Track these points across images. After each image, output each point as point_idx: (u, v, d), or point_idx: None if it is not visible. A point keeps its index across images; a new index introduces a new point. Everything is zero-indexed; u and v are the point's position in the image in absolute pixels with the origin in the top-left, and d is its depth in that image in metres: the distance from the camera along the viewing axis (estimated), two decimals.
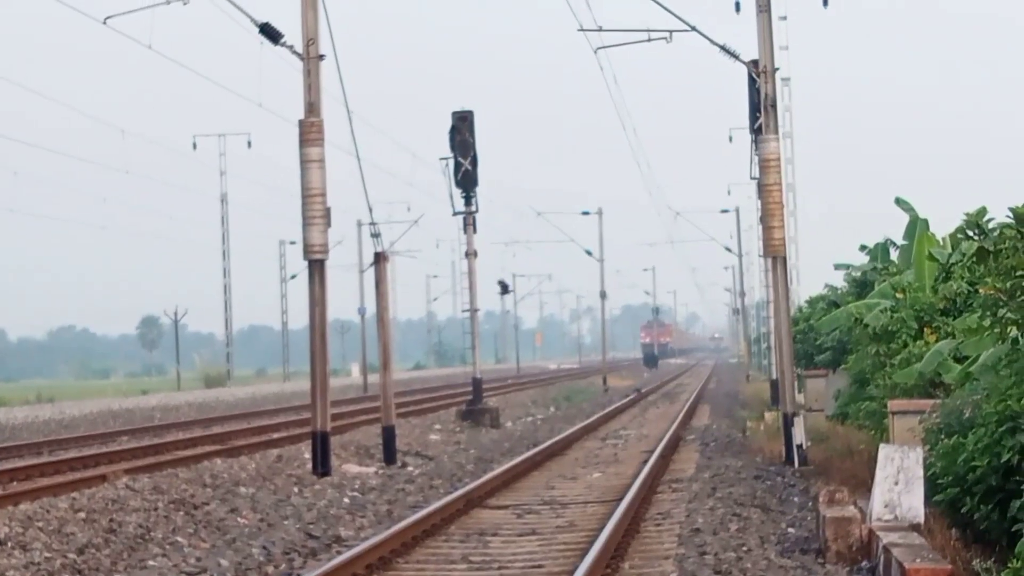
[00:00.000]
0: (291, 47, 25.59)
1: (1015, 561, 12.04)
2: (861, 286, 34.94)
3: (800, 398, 31.79)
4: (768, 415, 35.56)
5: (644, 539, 17.20)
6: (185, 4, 26.41)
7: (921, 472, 14.81)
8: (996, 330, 16.52)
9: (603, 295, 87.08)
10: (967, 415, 15.54)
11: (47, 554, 16.67)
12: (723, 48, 26.13)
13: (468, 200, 43.25)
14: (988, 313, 16.79)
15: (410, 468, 28.05)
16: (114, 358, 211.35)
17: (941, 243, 28.83)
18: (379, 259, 29.21)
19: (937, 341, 23.61)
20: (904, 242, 32.72)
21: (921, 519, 14.58)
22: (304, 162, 25.53)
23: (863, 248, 37.10)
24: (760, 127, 26.07)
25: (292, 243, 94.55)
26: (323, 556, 16.39)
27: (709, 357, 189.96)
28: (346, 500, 22.08)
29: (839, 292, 39.17)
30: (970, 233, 18.72)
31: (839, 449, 25.04)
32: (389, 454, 29.20)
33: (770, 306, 41.41)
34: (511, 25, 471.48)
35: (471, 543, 17.26)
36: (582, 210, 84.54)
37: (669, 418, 42.60)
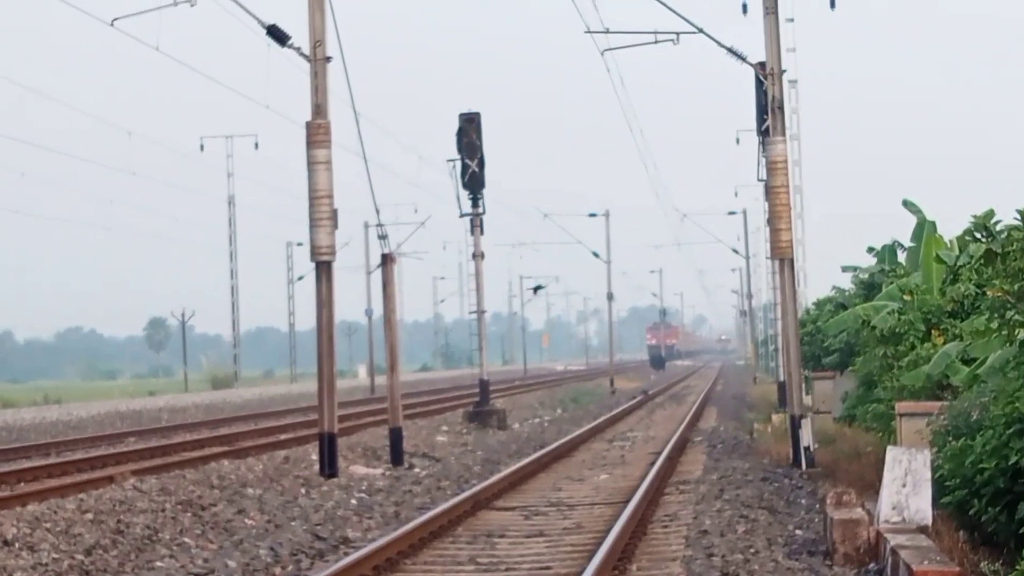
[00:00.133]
0: (298, 49, 25.61)
1: (1023, 563, 12.03)
2: (868, 288, 34.88)
3: (807, 400, 31.72)
4: (775, 417, 35.52)
5: (651, 541, 17.20)
6: (192, 6, 26.44)
7: (929, 474, 14.80)
8: (1004, 332, 16.52)
9: (610, 297, 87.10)
10: (975, 417, 15.53)
11: (55, 555, 16.69)
12: (730, 50, 26.11)
13: (475, 202, 43.27)
14: (996, 315, 16.78)
15: (417, 469, 28.06)
16: (121, 359, 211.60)
17: (949, 245, 28.79)
18: (386, 261, 29.21)
19: (945, 343, 23.58)
20: (912, 244, 32.66)
21: (929, 521, 14.57)
22: (311, 164, 25.55)
23: (870, 250, 37.03)
24: (767, 129, 26.05)
25: (299, 245, 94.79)
26: (330, 557, 16.39)
27: (716, 359, 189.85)
28: (353, 501, 22.09)
29: (846, 294, 39.10)
30: (978, 235, 18.73)
31: (846, 451, 25.02)
32: (396, 455, 29.21)
33: (777, 308, 41.41)
34: (518, 27, 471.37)
35: (478, 544, 17.26)
36: (589, 212, 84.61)
37: (676, 420, 42.59)
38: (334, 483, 24.90)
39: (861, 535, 14.65)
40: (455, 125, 42.80)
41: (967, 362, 21.01)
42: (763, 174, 26.60)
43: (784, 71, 26.19)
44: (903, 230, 36.02)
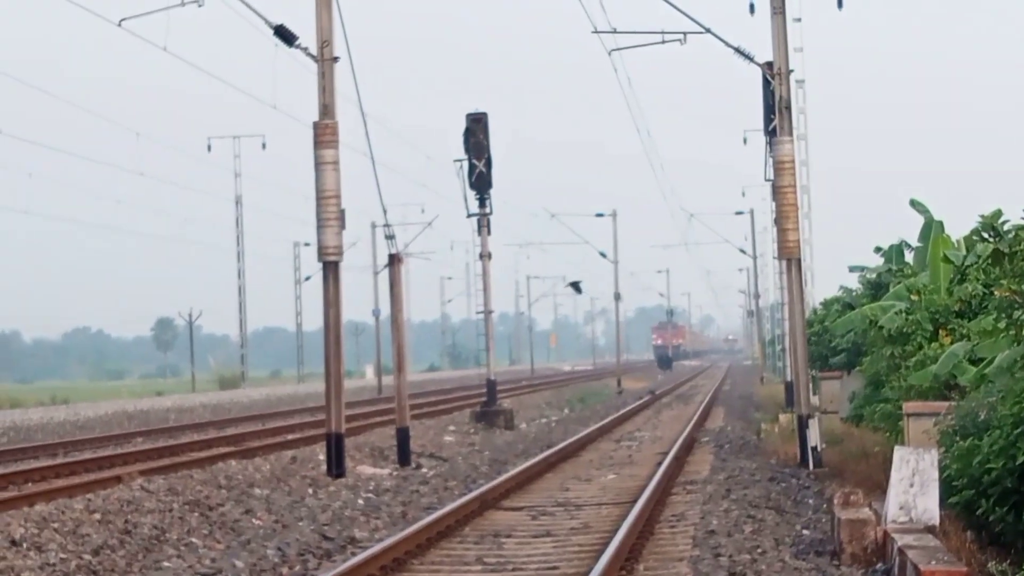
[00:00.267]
0: (305, 49, 25.62)
1: None
2: (876, 288, 34.85)
3: (815, 400, 31.74)
4: (783, 417, 35.51)
5: (659, 541, 17.20)
6: (200, 6, 26.45)
7: (936, 474, 14.79)
8: (1011, 332, 16.50)
9: (617, 297, 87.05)
10: (982, 417, 15.51)
11: (62, 555, 16.71)
12: (737, 50, 26.11)
13: (482, 202, 43.28)
14: (1003, 315, 16.77)
15: (424, 469, 28.07)
16: (129, 360, 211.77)
17: (956, 245, 28.76)
18: (393, 261, 29.23)
19: (952, 343, 23.56)
20: (919, 244, 32.64)
21: (936, 521, 14.56)
22: (318, 164, 25.57)
23: (878, 250, 37.01)
24: (774, 129, 26.06)
25: (306, 245, 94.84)
26: (338, 557, 16.40)
27: (723, 359, 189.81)
28: (360, 501, 22.10)
29: (854, 294, 39.07)
30: (985, 235, 18.67)
31: (854, 451, 24.99)
32: (403, 455, 29.22)
33: (785, 308, 41.41)
34: (525, 27, 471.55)
35: (485, 544, 17.27)
36: (596, 212, 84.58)
37: (683, 420, 42.58)
38: (341, 483, 24.91)
39: (868, 535, 14.64)
40: (462, 125, 42.84)
41: (974, 362, 20.99)
42: (770, 174, 26.60)
43: (791, 71, 26.20)
44: (910, 230, 35.97)
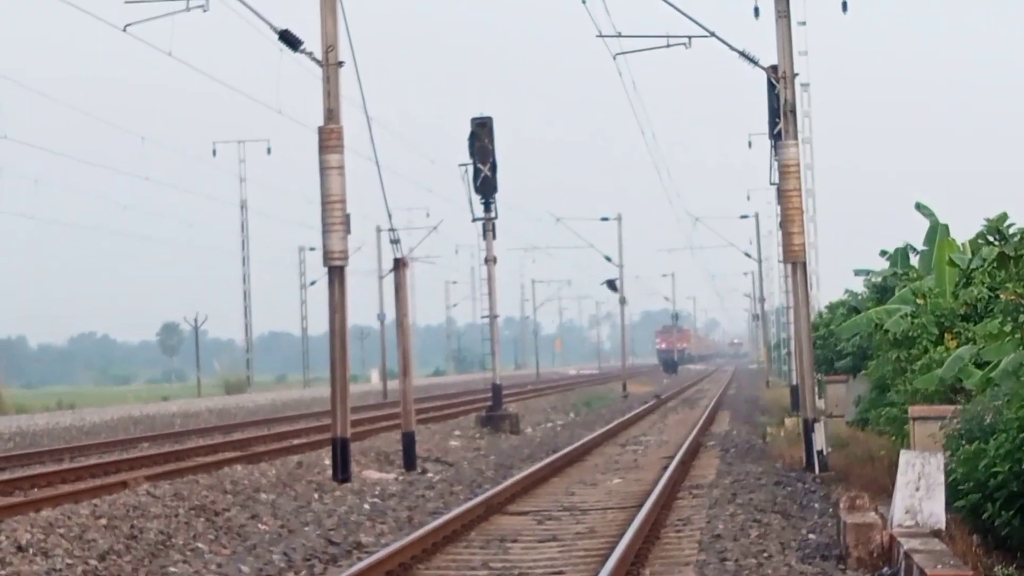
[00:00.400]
0: (310, 54, 25.63)
1: None
2: (881, 291, 34.79)
3: (820, 404, 31.71)
4: (788, 421, 35.49)
5: (664, 545, 17.20)
6: (205, 11, 26.45)
7: (942, 478, 14.78)
8: (1017, 336, 16.50)
9: (623, 301, 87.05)
10: (988, 421, 15.51)
11: (68, 560, 16.72)
12: (742, 54, 26.11)
13: (487, 206, 43.28)
14: (1009, 318, 16.76)
15: (430, 474, 28.07)
16: (134, 365, 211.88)
17: (962, 248, 28.73)
18: (398, 265, 29.23)
19: (958, 347, 23.55)
20: (924, 247, 32.61)
21: (942, 525, 14.56)
22: (324, 169, 25.58)
23: (883, 253, 36.96)
24: (779, 133, 26.05)
25: (312, 249, 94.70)
26: (344, 562, 16.41)
27: (729, 363, 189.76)
28: (366, 506, 22.11)
29: (859, 297, 39.01)
30: (991, 238, 18.68)
31: (859, 455, 24.99)
32: (409, 460, 29.22)
33: (790, 312, 41.35)
34: (530, 31, 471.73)
35: (491, 549, 17.27)
36: (601, 216, 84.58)
37: (689, 424, 42.56)
38: (347, 488, 24.91)
39: (874, 539, 14.64)
40: (467, 129, 42.84)
41: (980, 366, 20.98)
42: (775, 178, 26.60)
43: (796, 74, 26.20)
44: (916, 233, 35.93)
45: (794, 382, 40.39)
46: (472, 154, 42.63)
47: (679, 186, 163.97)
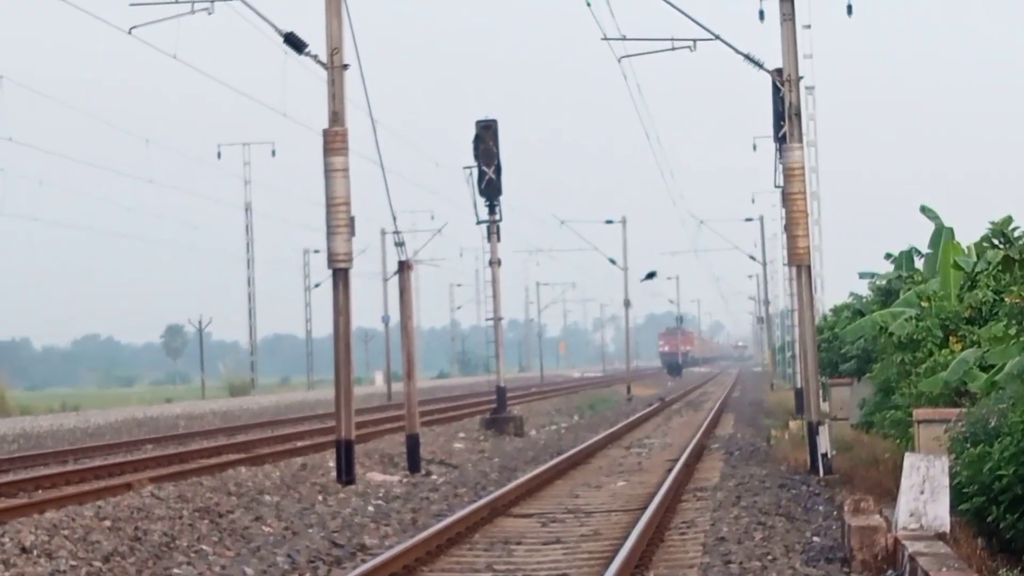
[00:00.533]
0: (315, 56, 25.65)
1: None
2: (886, 295, 34.79)
3: (825, 407, 31.72)
4: (793, 424, 35.47)
5: (669, 548, 17.19)
6: (210, 14, 26.47)
7: (947, 481, 14.77)
8: (1022, 339, 16.48)
9: (627, 304, 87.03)
10: (993, 424, 15.49)
11: (72, 562, 16.72)
12: (747, 57, 26.10)
13: (492, 209, 43.27)
14: (1014, 322, 16.76)
15: (434, 476, 28.07)
16: (139, 367, 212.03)
17: (966, 251, 28.72)
18: (403, 268, 29.24)
19: (962, 350, 23.53)
20: (929, 250, 32.61)
21: (947, 528, 14.54)
22: (328, 171, 25.59)
23: (888, 256, 36.97)
24: (784, 136, 26.04)
25: (316, 252, 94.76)
26: (348, 564, 16.41)
27: (733, 366, 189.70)
28: (370, 508, 22.10)
29: (864, 300, 39.00)
30: (995, 241, 18.68)
31: (864, 458, 24.97)
32: (413, 462, 29.22)
33: (794, 315, 41.31)
34: (534, 33, 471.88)
35: (495, 551, 17.27)
36: (606, 219, 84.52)
37: (693, 427, 42.54)
38: (351, 490, 24.92)
39: (879, 542, 14.62)
40: (472, 132, 42.86)
41: (985, 369, 20.96)
42: (780, 180, 26.61)
43: (801, 77, 26.19)
44: (921, 236, 35.93)
45: (798, 385, 40.39)
46: (477, 157, 42.64)
47: (683, 189, 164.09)
